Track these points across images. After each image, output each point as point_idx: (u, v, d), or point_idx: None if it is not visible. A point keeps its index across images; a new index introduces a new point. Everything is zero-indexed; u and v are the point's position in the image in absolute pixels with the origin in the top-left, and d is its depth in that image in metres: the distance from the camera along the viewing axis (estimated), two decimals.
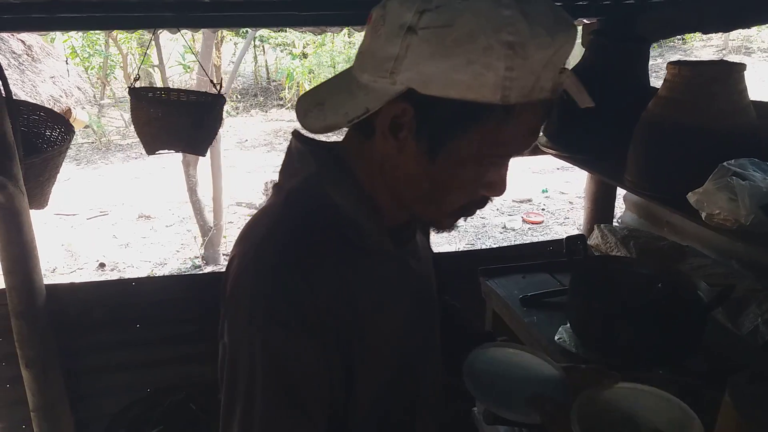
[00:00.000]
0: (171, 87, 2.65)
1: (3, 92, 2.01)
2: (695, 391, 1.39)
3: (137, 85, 2.09)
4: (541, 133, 2.11)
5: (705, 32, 1.82)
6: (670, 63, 1.60)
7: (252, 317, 0.75)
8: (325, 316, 0.76)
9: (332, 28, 2.65)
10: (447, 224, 0.83)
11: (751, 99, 1.55)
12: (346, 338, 0.79)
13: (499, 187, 0.78)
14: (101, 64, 11.51)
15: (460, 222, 0.84)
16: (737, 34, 14.31)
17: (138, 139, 2.04)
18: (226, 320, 0.80)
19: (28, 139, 2.34)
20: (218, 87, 2.13)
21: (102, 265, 5.89)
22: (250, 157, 9.76)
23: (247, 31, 11.68)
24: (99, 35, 10.48)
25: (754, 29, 14.63)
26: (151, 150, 2.15)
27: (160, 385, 2.46)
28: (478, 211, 0.83)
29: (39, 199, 2.30)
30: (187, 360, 2.49)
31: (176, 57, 11.09)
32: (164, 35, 11.73)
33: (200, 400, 2.41)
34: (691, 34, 13.09)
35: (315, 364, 0.77)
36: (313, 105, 0.78)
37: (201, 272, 5.41)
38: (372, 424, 0.89)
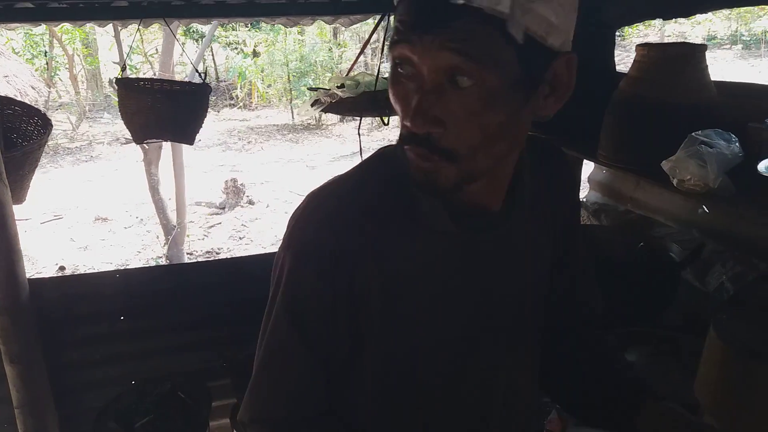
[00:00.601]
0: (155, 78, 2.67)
1: None
2: (673, 339, 1.53)
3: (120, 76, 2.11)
4: None
5: (665, 18, 1.97)
6: (639, 45, 1.74)
7: (288, 242, 0.86)
8: (342, 266, 0.82)
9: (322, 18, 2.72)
10: (407, 156, 0.78)
11: None
12: (364, 295, 0.83)
13: (402, 112, 0.74)
14: (45, 65, 11.15)
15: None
16: (672, 30, 14.97)
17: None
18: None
19: (3, 134, 2.32)
20: (203, 76, 2.17)
21: (62, 268, 5.76)
22: (206, 157, 9.67)
23: (196, 30, 11.53)
24: (44, 35, 10.17)
25: (688, 26, 15.35)
26: (139, 139, 2.17)
27: (146, 377, 2.46)
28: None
29: (19, 193, 2.29)
30: (173, 350, 2.50)
31: (114, 55, 10.86)
32: (106, 38, 11.48)
33: (187, 388, 2.43)
34: (629, 30, 13.62)
35: (321, 302, 0.84)
36: None
37: (183, 262, 5.35)
38: (381, 396, 0.91)
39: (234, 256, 5.94)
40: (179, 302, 2.46)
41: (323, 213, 0.84)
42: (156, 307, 2.45)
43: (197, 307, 2.48)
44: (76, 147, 10.35)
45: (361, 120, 2.00)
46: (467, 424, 0.95)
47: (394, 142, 0.86)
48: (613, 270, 1.61)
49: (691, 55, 1.66)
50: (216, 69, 14.10)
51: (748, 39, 14.57)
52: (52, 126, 2.35)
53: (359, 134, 1.91)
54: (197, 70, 2.16)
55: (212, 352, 2.49)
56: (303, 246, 0.84)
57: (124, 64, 2.35)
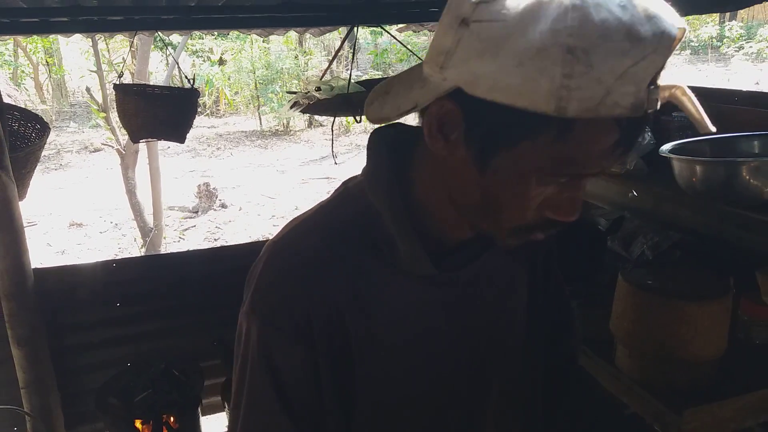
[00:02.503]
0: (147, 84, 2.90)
1: None
2: (601, 294, 1.84)
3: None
4: None
5: None
6: None
7: (251, 307, 0.77)
8: (318, 324, 0.74)
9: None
10: (508, 242, 0.72)
11: None
12: (345, 348, 0.77)
13: (566, 211, 0.67)
14: (10, 74, 11.14)
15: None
16: None
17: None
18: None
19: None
20: (191, 82, 2.41)
21: None
22: (176, 163, 9.80)
23: (161, 40, 11.63)
24: (7, 44, 10.18)
25: None
26: (136, 138, 2.40)
27: (141, 359, 2.68)
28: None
29: (21, 191, 2.50)
30: (166, 334, 2.72)
31: (79, 64, 10.91)
32: (72, 47, 11.53)
33: (181, 367, 2.66)
34: None
35: (301, 367, 0.76)
36: (380, 93, 0.73)
37: (173, 252, 5.50)
38: None
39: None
40: (171, 288, 2.68)
41: (286, 270, 0.76)
42: (150, 294, 2.67)
43: (188, 293, 2.70)
44: (45, 155, 10.34)
45: (334, 120, 2.27)
46: None
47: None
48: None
49: None
50: (182, 77, 14.15)
51: (696, 45, 15.28)
52: (50, 129, 2.57)
53: (332, 131, 2.19)
54: (186, 77, 2.40)
55: (203, 334, 2.72)
56: (271, 311, 0.75)
57: (122, 71, 2.58)
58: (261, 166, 9.65)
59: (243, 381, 0.78)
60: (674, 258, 1.93)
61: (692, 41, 15.46)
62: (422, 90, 0.65)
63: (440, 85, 0.62)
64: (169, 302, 2.70)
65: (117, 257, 6.22)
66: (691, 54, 15.21)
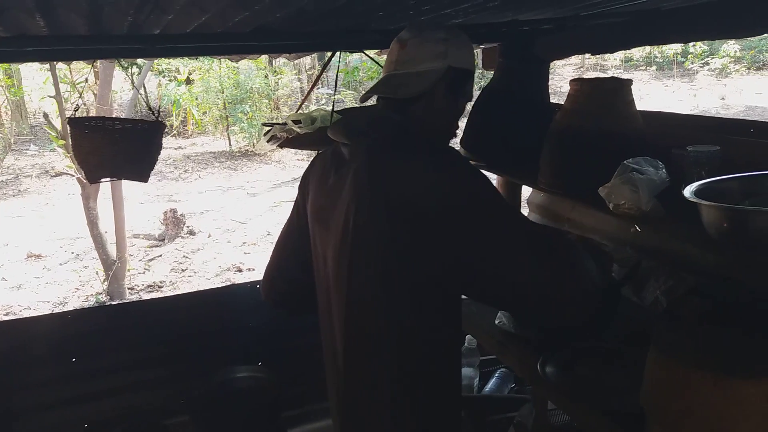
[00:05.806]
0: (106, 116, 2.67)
1: None
2: (618, 352, 1.66)
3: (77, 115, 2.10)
4: (460, 145, 2.38)
5: (594, 53, 2.15)
6: (572, 80, 1.89)
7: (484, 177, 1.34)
8: None
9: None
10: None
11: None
12: None
13: None
14: None
15: None
16: None
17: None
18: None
19: None
20: (156, 114, 2.19)
21: None
22: (141, 187, 9.42)
23: (133, 63, 11.30)
24: None
25: None
26: (93, 179, 2.15)
27: (98, 419, 2.42)
28: None
29: None
30: (127, 389, 2.47)
31: (39, 84, 10.48)
32: (32, 66, 11.10)
33: (143, 427, 2.41)
34: None
35: None
36: (394, 87, 1.37)
37: (136, 300, 5.22)
38: None
39: (177, 288, 5.85)
40: (133, 340, 2.44)
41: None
42: (109, 347, 2.43)
43: (151, 344, 2.46)
44: (2, 181, 9.91)
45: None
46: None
47: None
48: None
49: (620, 88, 1.82)
50: (147, 97, 13.78)
51: (661, 61, 15.51)
52: None
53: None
54: (150, 108, 2.18)
55: (169, 388, 2.48)
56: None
57: (78, 105, 2.34)
58: (230, 189, 9.36)
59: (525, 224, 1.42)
60: (694, 307, 1.76)
61: (657, 57, 15.69)
62: (427, 76, 1.38)
63: (440, 69, 1.39)
64: (130, 355, 2.45)
65: (77, 290, 5.88)
66: (656, 70, 15.43)
